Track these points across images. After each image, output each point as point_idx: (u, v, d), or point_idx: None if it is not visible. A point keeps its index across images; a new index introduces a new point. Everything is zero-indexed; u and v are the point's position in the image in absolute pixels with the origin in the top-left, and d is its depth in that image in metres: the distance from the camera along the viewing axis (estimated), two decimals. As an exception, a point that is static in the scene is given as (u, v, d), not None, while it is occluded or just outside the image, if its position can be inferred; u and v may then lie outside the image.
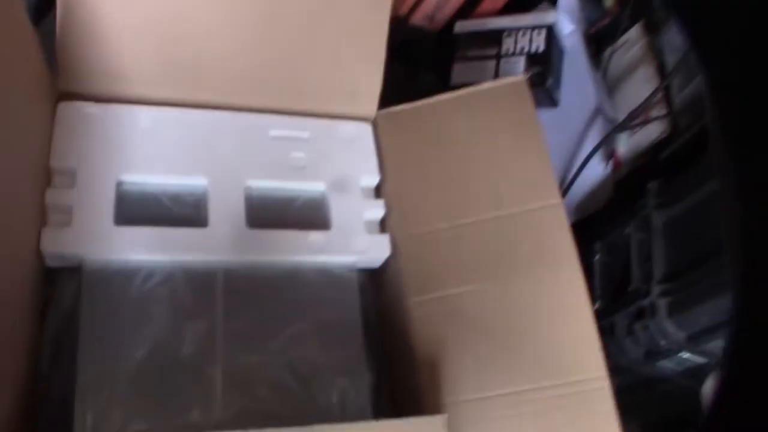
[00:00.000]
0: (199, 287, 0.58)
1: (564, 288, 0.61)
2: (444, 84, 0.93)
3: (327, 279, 0.63)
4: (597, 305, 0.73)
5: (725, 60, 0.42)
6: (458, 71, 0.93)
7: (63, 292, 0.56)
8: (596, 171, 0.88)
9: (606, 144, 0.88)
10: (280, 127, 0.66)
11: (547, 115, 0.85)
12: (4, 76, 0.51)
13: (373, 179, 0.67)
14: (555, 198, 0.63)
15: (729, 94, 0.42)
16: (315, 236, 0.62)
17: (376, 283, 0.68)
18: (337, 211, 0.64)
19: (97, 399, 0.52)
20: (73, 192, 0.57)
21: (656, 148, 0.86)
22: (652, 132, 0.86)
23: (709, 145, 0.67)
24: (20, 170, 0.54)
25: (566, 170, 0.89)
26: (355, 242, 0.63)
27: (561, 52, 0.91)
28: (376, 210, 0.66)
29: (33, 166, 0.56)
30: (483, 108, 0.68)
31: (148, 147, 0.61)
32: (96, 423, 0.52)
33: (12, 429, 0.48)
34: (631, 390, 0.78)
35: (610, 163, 0.89)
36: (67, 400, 0.53)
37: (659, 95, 0.87)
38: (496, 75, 0.89)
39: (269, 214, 0.64)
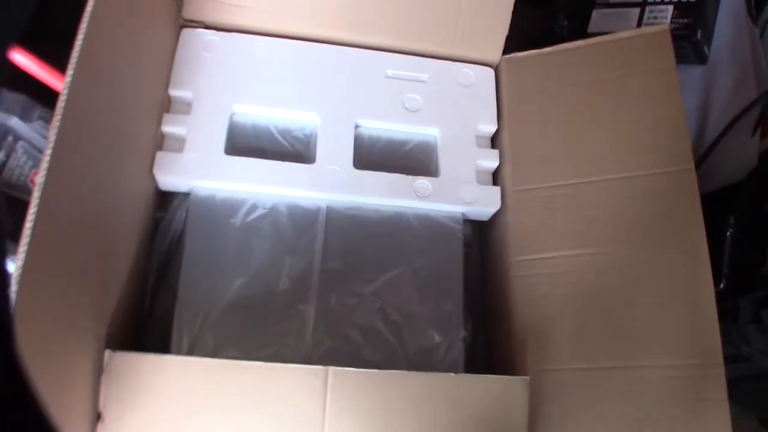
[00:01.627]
0: (300, 224, 0.58)
1: (685, 262, 0.55)
2: (580, 32, 0.86)
3: (431, 228, 0.61)
4: (722, 284, 0.66)
5: None
6: (597, 18, 0.86)
7: (172, 216, 0.58)
8: (741, 138, 0.80)
9: (756, 109, 0.79)
10: (397, 67, 0.64)
11: (692, 72, 0.77)
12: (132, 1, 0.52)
13: (489, 127, 0.64)
14: (687, 163, 0.57)
15: None
16: (422, 182, 0.60)
17: (481, 237, 0.65)
18: (448, 158, 0.62)
19: (194, 322, 0.54)
20: (187, 120, 0.58)
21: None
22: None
23: None
24: (142, 93, 0.55)
25: (707, 134, 0.81)
26: (464, 192, 0.61)
27: (716, 3, 0.82)
28: (490, 160, 0.63)
29: (153, 91, 0.57)
30: (618, 59, 0.62)
31: (262, 78, 0.61)
32: (191, 345, 0.53)
33: (119, 341, 0.50)
34: (751, 381, 0.71)
35: (759, 131, 0.80)
36: (167, 321, 0.55)
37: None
38: (639, 25, 0.82)
39: (378, 155, 0.62)
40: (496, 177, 0.63)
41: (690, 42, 0.78)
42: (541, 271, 0.58)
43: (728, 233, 0.70)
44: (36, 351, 0.38)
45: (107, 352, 0.47)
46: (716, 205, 0.58)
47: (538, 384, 0.54)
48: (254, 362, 0.48)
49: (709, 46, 0.81)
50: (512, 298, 0.59)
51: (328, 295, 0.56)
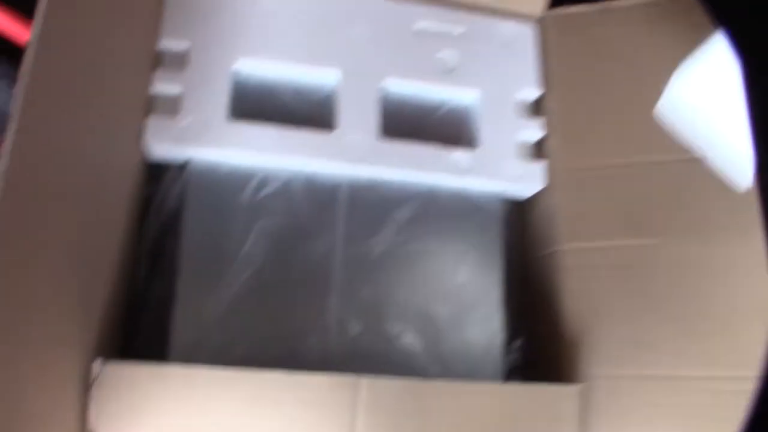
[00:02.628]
0: (318, 202, 0.49)
1: (754, 260, 0.48)
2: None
3: (467, 206, 0.52)
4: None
5: None
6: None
7: (166, 192, 0.49)
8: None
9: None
10: (427, 19, 0.55)
11: None
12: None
13: (532, 92, 0.55)
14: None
15: None
16: (458, 155, 0.52)
17: (523, 218, 0.57)
18: (486, 126, 0.53)
19: (197, 317, 0.45)
20: (182, 78, 0.48)
21: None
22: None
23: None
24: (126, 45, 0.45)
25: None
26: (504, 167, 0.53)
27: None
28: (533, 130, 0.54)
29: (140, 42, 0.48)
30: (682, 19, 0.54)
31: (271, 29, 0.51)
32: (194, 344, 0.45)
33: (108, 344, 0.42)
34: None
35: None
36: (163, 313, 0.47)
37: None
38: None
39: (407, 122, 0.53)
40: (540, 149, 0.55)
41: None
42: (595, 262, 0.50)
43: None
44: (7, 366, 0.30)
45: (97, 362, 0.38)
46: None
47: (590, 393, 0.47)
48: (270, 372, 0.40)
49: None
50: (560, 292, 0.51)
51: (353, 285, 0.48)
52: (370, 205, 0.50)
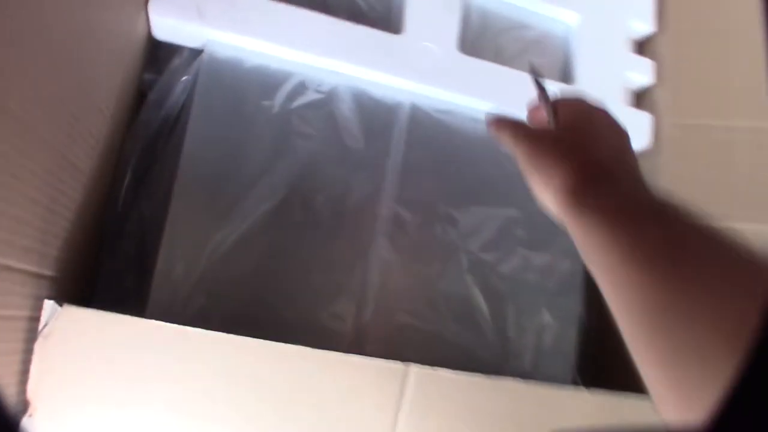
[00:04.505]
0: (371, 123, 0.37)
1: None
2: None
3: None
4: None
5: None
6: None
7: (170, 81, 0.36)
8: None
9: None
10: None
11: None
12: None
13: (644, 27, 0.44)
14: None
15: None
16: (548, 86, 0.40)
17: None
18: (587, 59, 0.42)
19: (192, 256, 0.33)
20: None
21: None
22: None
23: None
24: None
25: None
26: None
27: None
28: (642, 73, 0.43)
29: None
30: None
31: None
32: (186, 293, 0.33)
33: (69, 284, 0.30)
34: None
35: None
36: (144, 244, 0.35)
37: None
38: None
39: (490, 39, 0.42)
40: (647, 98, 0.44)
41: None
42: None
43: None
44: None
45: (49, 305, 0.26)
46: None
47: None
48: (288, 345, 0.29)
49: None
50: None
51: (402, 239, 0.36)
52: (435, 136, 0.39)
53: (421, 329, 0.36)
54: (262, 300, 0.34)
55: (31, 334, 0.26)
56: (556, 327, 0.38)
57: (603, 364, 0.42)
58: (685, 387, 0.18)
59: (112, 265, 0.34)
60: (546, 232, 0.39)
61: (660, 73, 0.43)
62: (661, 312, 0.19)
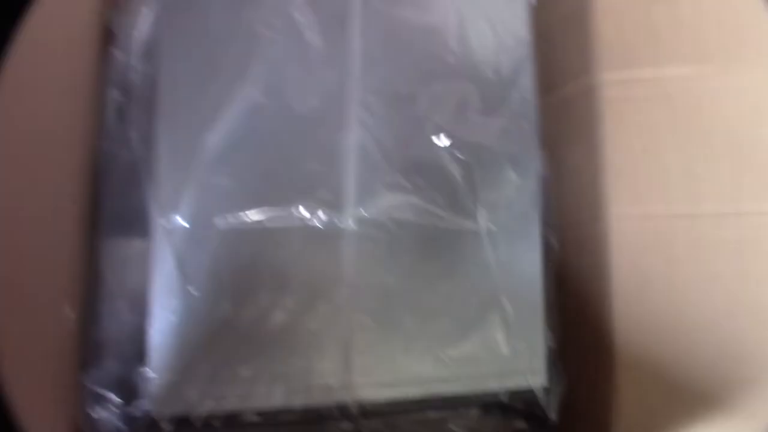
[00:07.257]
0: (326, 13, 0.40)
1: None
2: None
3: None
4: None
5: None
6: None
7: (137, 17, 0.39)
8: None
9: None
10: None
11: None
12: None
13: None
14: None
15: None
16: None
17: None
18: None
19: (181, 185, 0.37)
20: None
21: None
22: None
23: None
24: None
25: None
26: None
27: None
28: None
29: None
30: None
31: None
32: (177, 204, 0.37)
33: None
34: None
35: None
36: (138, 168, 0.38)
37: None
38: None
39: None
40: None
41: None
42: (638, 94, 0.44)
43: None
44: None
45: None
46: None
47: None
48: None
49: None
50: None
51: (374, 120, 0.40)
52: (388, 36, 0.42)
53: (399, 197, 0.40)
54: (253, 192, 0.38)
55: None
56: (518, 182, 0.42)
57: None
58: None
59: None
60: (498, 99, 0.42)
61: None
62: None
